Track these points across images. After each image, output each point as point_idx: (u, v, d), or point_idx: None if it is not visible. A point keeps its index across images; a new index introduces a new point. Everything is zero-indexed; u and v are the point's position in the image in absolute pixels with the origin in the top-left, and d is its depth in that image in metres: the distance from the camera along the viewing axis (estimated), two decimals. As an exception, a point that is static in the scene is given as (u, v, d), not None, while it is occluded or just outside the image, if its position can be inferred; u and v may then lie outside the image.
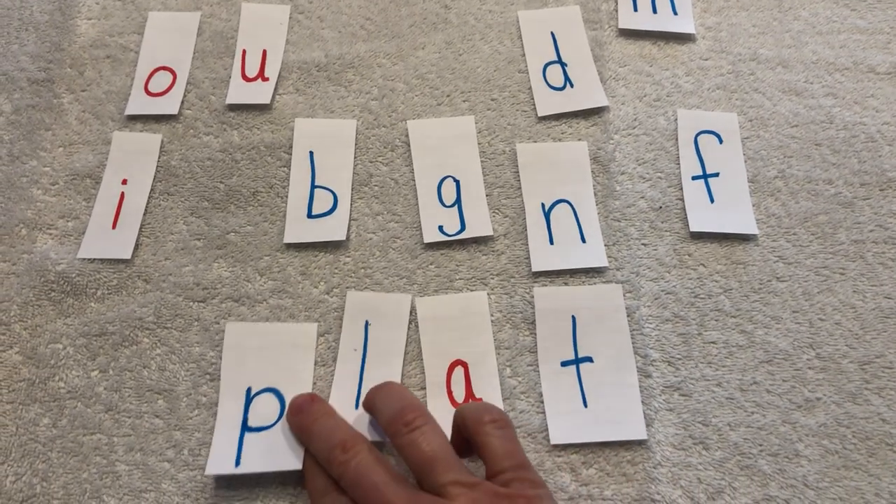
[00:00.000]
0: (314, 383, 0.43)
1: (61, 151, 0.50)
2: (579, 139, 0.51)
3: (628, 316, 0.45)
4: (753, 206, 0.49)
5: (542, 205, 0.48)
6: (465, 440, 0.38)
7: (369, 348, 0.44)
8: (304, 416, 0.40)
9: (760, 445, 0.42)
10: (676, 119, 0.51)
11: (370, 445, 0.37)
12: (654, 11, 0.55)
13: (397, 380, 0.43)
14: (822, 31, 0.55)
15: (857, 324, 0.45)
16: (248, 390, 0.42)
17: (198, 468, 0.41)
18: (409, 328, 0.45)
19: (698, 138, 0.51)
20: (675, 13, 0.55)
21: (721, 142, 0.51)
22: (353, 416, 0.41)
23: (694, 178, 0.49)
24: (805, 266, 0.47)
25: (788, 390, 0.43)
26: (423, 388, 0.43)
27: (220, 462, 0.40)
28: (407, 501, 0.33)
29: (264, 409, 0.42)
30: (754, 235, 0.48)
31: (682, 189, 0.49)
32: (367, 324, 0.44)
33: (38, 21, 0.55)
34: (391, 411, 0.38)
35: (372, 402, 0.39)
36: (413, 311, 0.45)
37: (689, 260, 0.47)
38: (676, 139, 0.51)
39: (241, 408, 0.42)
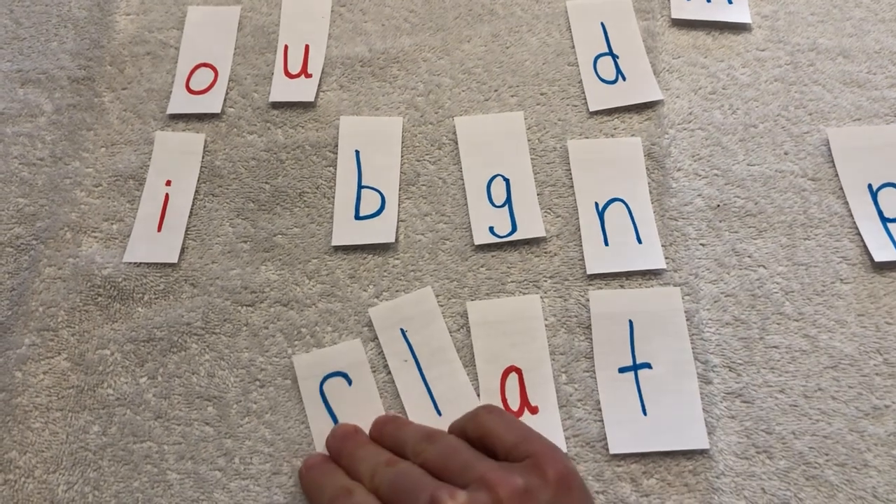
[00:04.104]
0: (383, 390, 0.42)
1: (103, 152, 0.49)
2: (632, 134, 0.49)
3: (687, 320, 0.44)
4: (815, 204, 0.47)
5: (596, 204, 0.47)
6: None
7: (418, 353, 0.43)
8: (349, 443, 0.39)
9: (827, 455, 0.40)
10: (733, 113, 0.49)
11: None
12: (708, 0, 0.53)
13: (461, 367, 0.43)
14: (884, 18, 0.53)
15: (926, 327, 0.44)
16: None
17: (249, 477, 0.40)
18: (461, 331, 0.44)
19: None
20: (730, 1, 0.53)
21: None
22: (438, 424, 0.40)
23: (752, 174, 0.48)
24: (870, 267, 0.45)
25: (855, 397, 0.42)
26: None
27: None
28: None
29: None
30: (816, 234, 0.46)
31: (739, 186, 0.47)
32: (403, 332, 0.43)
33: (76, 17, 0.54)
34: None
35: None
36: (464, 315, 0.44)
37: (748, 261, 0.45)
38: (733, 134, 0.49)
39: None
